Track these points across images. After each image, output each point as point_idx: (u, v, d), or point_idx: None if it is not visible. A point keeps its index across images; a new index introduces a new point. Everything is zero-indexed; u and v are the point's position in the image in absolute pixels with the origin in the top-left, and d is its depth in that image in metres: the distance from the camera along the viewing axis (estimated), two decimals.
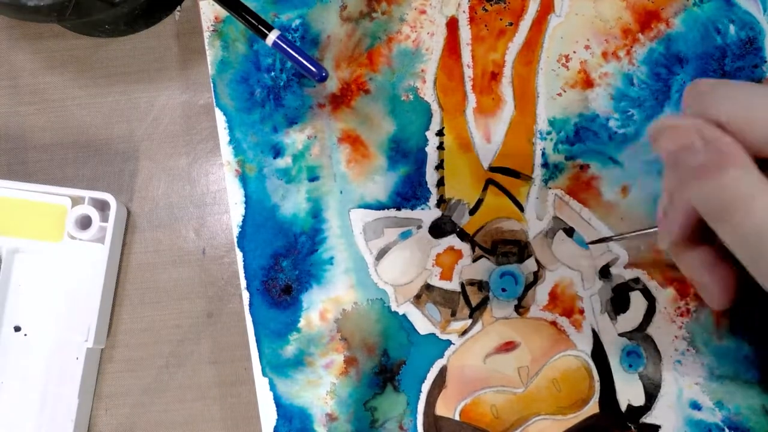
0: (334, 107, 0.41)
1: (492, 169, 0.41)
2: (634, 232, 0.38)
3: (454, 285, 0.40)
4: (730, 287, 0.32)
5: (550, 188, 0.40)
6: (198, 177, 0.43)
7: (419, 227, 0.40)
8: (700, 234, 0.31)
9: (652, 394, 0.39)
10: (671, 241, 0.32)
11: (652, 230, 0.36)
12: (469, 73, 0.41)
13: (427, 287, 0.40)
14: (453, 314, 0.40)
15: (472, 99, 0.41)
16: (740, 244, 0.27)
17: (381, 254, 0.40)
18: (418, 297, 0.40)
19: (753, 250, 0.27)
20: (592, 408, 0.39)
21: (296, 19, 0.42)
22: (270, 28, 0.37)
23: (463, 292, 0.40)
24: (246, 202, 0.41)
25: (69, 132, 0.43)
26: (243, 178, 0.41)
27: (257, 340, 0.40)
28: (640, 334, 0.39)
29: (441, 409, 0.39)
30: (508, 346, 0.39)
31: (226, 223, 0.42)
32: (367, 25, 0.42)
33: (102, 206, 0.40)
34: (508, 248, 0.40)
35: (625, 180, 0.40)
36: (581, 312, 0.39)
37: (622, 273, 0.40)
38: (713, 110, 0.28)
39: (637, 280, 0.40)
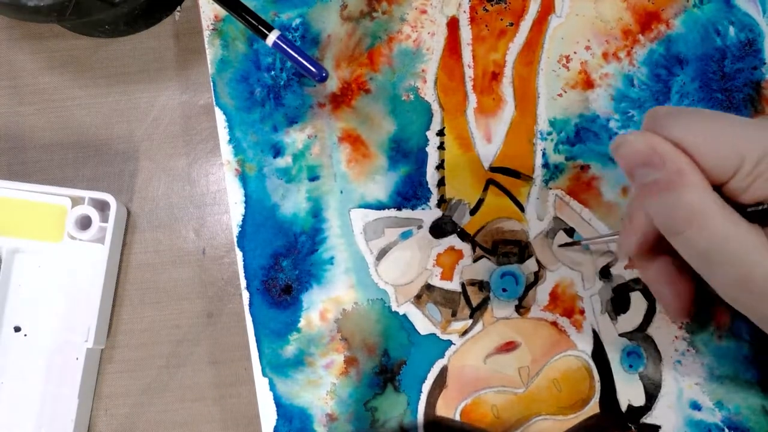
0: (334, 107, 0.41)
1: (492, 169, 0.41)
2: (601, 237, 0.39)
3: (454, 285, 0.40)
4: (686, 300, 0.34)
5: (550, 188, 0.40)
6: (198, 177, 0.43)
7: (420, 227, 0.40)
8: (660, 246, 0.32)
9: (652, 394, 0.39)
10: (631, 251, 0.33)
11: (617, 236, 0.37)
12: (469, 73, 0.41)
13: (428, 287, 0.40)
14: (453, 314, 0.40)
15: (472, 99, 0.41)
16: (695, 257, 0.29)
17: (381, 254, 0.40)
18: (418, 297, 0.40)
19: (707, 263, 0.29)
20: (593, 408, 0.39)
21: (296, 19, 0.42)
22: (270, 28, 0.37)
23: (464, 292, 0.40)
24: (246, 202, 0.41)
25: (69, 132, 0.43)
26: (243, 178, 0.41)
27: (257, 340, 0.40)
28: (640, 334, 0.39)
29: (441, 410, 0.39)
30: (509, 347, 0.39)
31: (226, 223, 0.42)
32: (368, 25, 0.42)
33: (102, 206, 0.40)
34: (509, 248, 0.40)
35: (625, 180, 0.40)
36: (582, 312, 0.39)
37: (622, 273, 0.40)
38: (672, 131, 0.29)
39: (637, 281, 0.40)
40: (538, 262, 0.40)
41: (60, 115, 0.43)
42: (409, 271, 0.40)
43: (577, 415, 0.39)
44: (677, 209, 0.28)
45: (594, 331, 0.39)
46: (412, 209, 0.41)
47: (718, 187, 0.29)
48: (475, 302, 0.40)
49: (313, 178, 0.41)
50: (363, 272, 0.40)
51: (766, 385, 0.38)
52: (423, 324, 0.40)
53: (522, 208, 0.40)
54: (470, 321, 0.40)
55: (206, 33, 0.42)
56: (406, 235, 0.40)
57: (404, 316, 0.40)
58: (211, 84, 0.42)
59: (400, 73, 0.42)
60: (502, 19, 0.42)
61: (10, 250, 0.40)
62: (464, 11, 0.42)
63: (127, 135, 0.43)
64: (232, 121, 0.41)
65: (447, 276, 0.40)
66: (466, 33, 0.42)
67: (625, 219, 0.33)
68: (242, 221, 0.41)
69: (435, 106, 0.41)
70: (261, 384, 0.39)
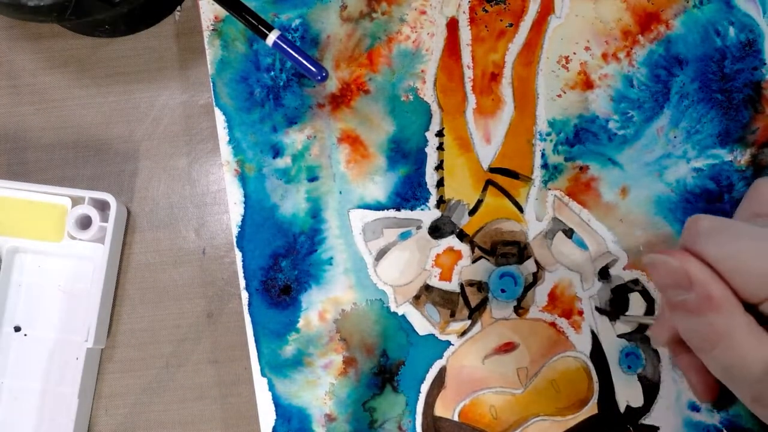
0: (333, 107, 0.41)
1: (492, 169, 0.41)
2: (635, 317, 0.39)
3: (453, 286, 0.40)
4: (713, 389, 0.35)
5: (549, 189, 0.40)
6: (198, 177, 0.43)
7: (419, 228, 0.40)
8: None
9: (650, 395, 0.39)
10: (662, 344, 0.35)
11: (649, 318, 0.38)
12: (469, 73, 0.41)
13: (427, 288, 0.40)
14: (452, 315, 0.40)
15: (471, 100, 0.41)
16: (718, 372, 0.30)
17: (380, 255, 0.40)
18: (417, 297, 0.40)
19: (729, 379, 0.30)
20: (591, 409, 0.39)
21: (296, 19, 0.42)
22: (270, 28, 0.37)
23: (463, 292, 0.40)
24: (245, 202, 0.41)
25: (69, 132, 0.43)
26: (242, 178, 0.41)
27: (256, 340, 0.40)
28: (639, 335, 0.39)
29: (440, 410, 0.39)
30: (507, 347, 0.39)
31: (226, 223, 0.42)
32: (367, 26, 0.42)
33: (102, 206, 0.40)
34: (508, 249, 0.40)
35: (624, 181, 0.40)
36: (580, 313, 0.39)
37: (621, 274, 0.40)
38: (708, 251, 0.29)
39: (636, 282, 0.40)
40: (536, 262, 0.40)
41: (60, 114, 0.43)
42: (408, 271, 0.40)
43: (575, 416, 0.39)
44: (704, 331, 0.29)
45: (593, 332, 0.39)
46: (411, 210, 0.41)
47: (751, 306, 0.29)
48: (473, 303, 0.40)
49: (313, 178, 0.41)
50: (362, 273, 0.40)
51: None
52: (422, 324, 0.40)
53: (521, 209, 0.40)
54: (469, 322, 0.40)
55: (206, 33, 0.42)
56: (405, 236, 0.40)
57: (403, 316, 0.40)
58: (211, 85, 0.42)
59: (400, 73, 0.42)
60: (501, 20, 0.42)
61: (10, 250, 0.41)
62: (464, 12, 0.42)
63: (127, 135, 0.43)
64: (232, 122, 0.41)
65: (446, 276, 0.40)
66: (465, 34, 0.42)
67: (659, 312, 0.35)
68: (241, 222, 0.41)
69: (434, 107, 0.41)
70: (260, 384, 0.39)
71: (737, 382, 0.30)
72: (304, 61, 0.36)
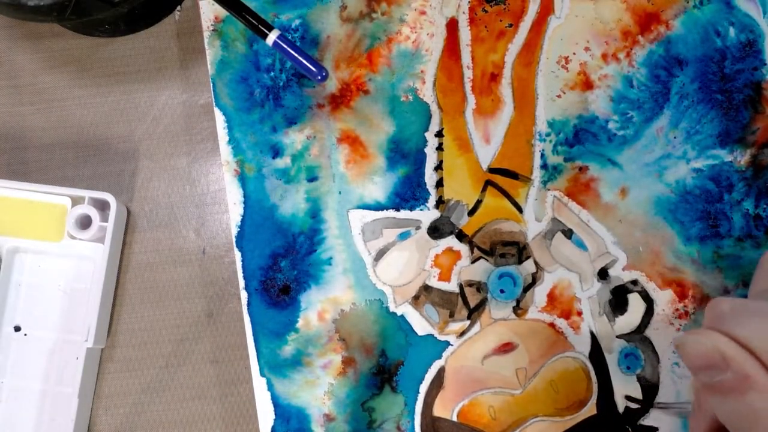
0: (333, 107, 0.41)
1: (491, 170, 0.41)
2: (674, 404, 0.39)
3: (452, 286, 0.40)
4: None
5: (548, 190, 0.40)
6: (198, 177, 0.43)
7: (418, 228, 0.40)
8: None
9: (649, 395, 0.39)
10: None
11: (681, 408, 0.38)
12: (468, 74, 0.41)
13: (426, 288, 0.40)
14: (451, 315, 0.40)
15: (471, 100, 0.41)
16: None
17: (379, 255, 0.40)
18: (416, 298, 0.40)
19: None
20: (590, 410, 0.39)
21: (296, 19, 0.42)
22: (270, 28, 0.37)
23: (462, 293, 0.40)
24: (245, 202, 0.41)
25: (69, 132, 0.43)
26: (242, 178, 0.41)
27: (255, 340, 0.40)
28: (638, 336, 0.39)
29: (439, 410, 0.39)
30: (506, 348, 0.40)
31: (226, 223, 0.42)
32: (367, 26, 0.42)
33: (102, 206, 0.41)
34: (507, 249, 0.40)
35: (624, 182, 0.40)
36: (579, 314, 0.39)
37: (620, 275, 0.40)
38: (737, 331, 0.29)
39: (635, 282, 0.40)
40: (536, 263, 0.40)
41: (60, 114, 0.43)
42: (407, 271, 0.40)
43: (574, 417, 0.39)
44: (743, 411, 0.28)
45: (592, 333, 0.39)
46: (411, 210, 0.41)
47: None
48: (472, 303, 0.40)
49: (312, 178, 0.41)
50: (361, 273, 0.40)
51: None
52: (421, 325, 0.40)
53: (520, 210, 0.40)
54: (468, 322, 0.40)
55: (206, 34, 0.42)
56: (404, 236, 0.40)
57: (402, 316, 0.40)
58: (211, 85, 0.42)
59: (399, 74, 0.42)
60: (501, 20, 0.42)
61: (10, 250, 0.41)
62: (463, 12, 0.42)
63: (127, 134, 0.43)
64: (232, 122, 0.41)
65: (445, 277, 0.40)
66: (465, 34, 0.42)
67: (695, 404, 0.34)
68: (241, 221, 0.41)
69: (434, 107, 0.41)
70: (259, 384, 0.39)
71: None
72: (304, 61, 0.36)
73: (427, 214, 0.40)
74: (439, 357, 0.39)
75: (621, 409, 0.39)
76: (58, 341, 0.40)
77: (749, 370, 0.28)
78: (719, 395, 0.29)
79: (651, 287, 0.39)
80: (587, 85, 0.41)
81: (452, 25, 0.42)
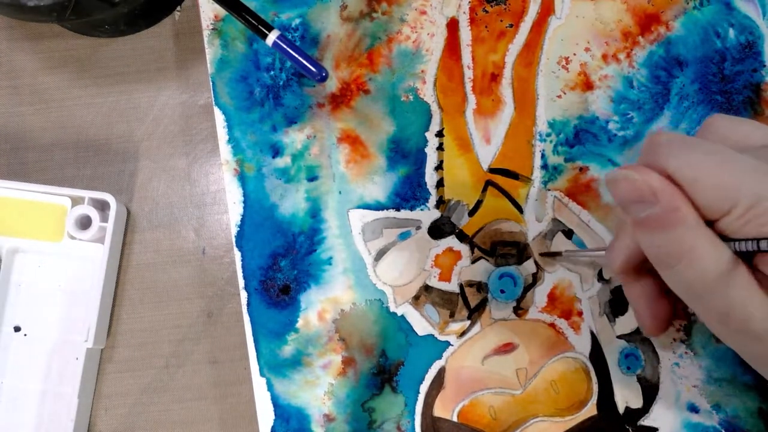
0: (333, 107, 0.41)
1: (491, 170, 0.41)
2: (584, 251, 0.39)
3: (452, 286, 0.40)
4: (663, 321, 0.35)
5: (549, 190, 0.40)
6: (198, 177, 0.43)
7: (418, 228, 0.40)
8: (644, 267, 0.33)
9: (649, 396, 0.39)
10: (615, 270, 0.34)
11: (600, 252, 0.38)
12: (469, 74, 0.41)
13: (426, 288, 0.40)
14: (451, 315, 0.40)
15: (471, 100, 0.41)
16: (682, 290, 0.30)
17: (380, 255, 0.40)
18: (416, 298, 0.40)
19: (692, 297, 0.30)
20: (590, 410, 0.39)
21: (296, 19, 0.42)
22: (270, 28, 0.37)
23: (462, 293, 0.40)
24: (244, 202, 0.41)
25: (69, 132, 0.43)
26: (242, 178, 0.41)
27: (255, 340, 0.40)
28: (638, 336, 0.39)
29: (439, 411, 0.39)
30: (507, 348, 0.40)
31: (226, 223, 0.42)
32: (367, 25, 0.42)
33: (102, 206, 0.40)
34: (507, 250, 0.40)
35: None
36: (580, 314, 0.39)
37: None
38: (669, 163, 0.29)
39: None
40: (536, 263, 0.40)
41: (60, 115, 0.43)
42: (408, 271, 0.40)
43: (574, 417, 0.39)
44: (669, 246, 0.29)
45: (592, 333, 0.39)
46: (411, 210, 0.41)
47: (710, 223, 0.29)
48: (473, 303, 0.40)
49: (312, 178, 0.41)
50: (361, 273, 0.40)
51: (764, 388, 0.38)
52: (421, 325, 0.40)
53: (521, 210, 0.40)
54: (468, 322, 0.40)
55: (206, 33, 0.42)
56: (404, 236, 0.40)
57: (402, 316, 0.40)
58: (211, 84, 0.42)
59: (400, 73, 0.42)
60: (501, 21, 0.42)
61: (10, 250, 0.41)
62: (464, 12, 0.42)
63: (127, 135, 0.43)
64: (231, 121, 0.41)
65: (445, 277, 0.40)
66: (465, 34, 0.42)
67: (614, 238, 0.34)
68: (241, 221, 0.41)
69: (434, 107, 0.41)
70: (259, 384, 0.39)
71: (700, 300, 0.29)
72: (304, 61, 0.36)
73: (428, 214, 0.40)
74: (440, 357, 0.39)
75: (621, 409, 0.39)
76: (58, 341, 0.40)
77: (677, 202, 0.28)
78: (647, 230, 0.29)
79: None
80: (587, 85, 0.41)
81: (453, 25, 0.42)
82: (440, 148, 0.41)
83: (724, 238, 0.29)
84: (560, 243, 0.40)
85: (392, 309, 0.40)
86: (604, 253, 0.36)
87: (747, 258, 0.29)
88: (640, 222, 0.30)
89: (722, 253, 0.28)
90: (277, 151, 0.41)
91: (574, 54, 0.41)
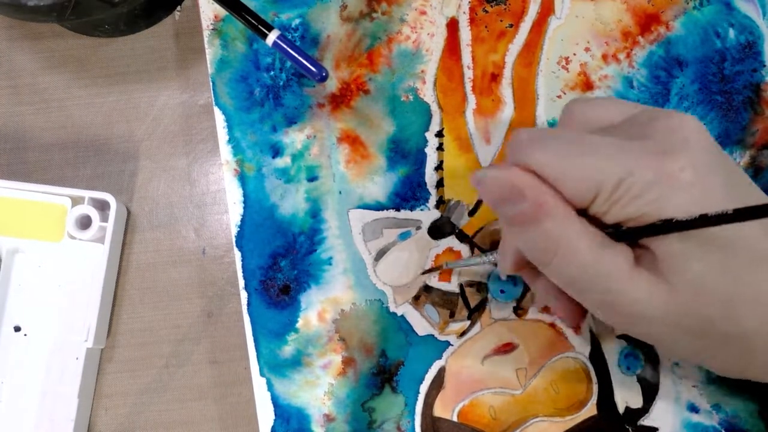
0: (333, 107, 0.41)
1: None
2: (465, 261, 0.39)
3: (452, 286, 0.40)
4: (575, 313, 0.34)
5: None
6: (198, 177, 0.43)
7: (418, 228, 0.40)
8: None
9: (649, 396, 0.39)
10: (508, 271, 0.34)
11: (481, 260, 0.37)
12: (469, 74, 0.41)
13: (426, 288, 0.40)
14: (451, 315, 0.40)
15: (471, 100, 0.41)
16: (564, 285, 0.30)
17: (380, 255, 0.40)
18: (416, 298, 0.40)
19: (575, 290, 0.30)
20: (590, 410, 0.39)
21: (296, 19, 0.42)
22: (270, 28, 0.37)
23: (462, 293, 0.40)
24: (244, 202, 0.41)
25: (69, 132, 0.43)
26: (242, 178, 0.41)
27: (255, 340, 0.40)
28: None
29: (439, 411, 0.39)
30: (507, 348, 0.40)
31: (226, 223, 0.42)
32: (367, 26, 0.42)
33: (102, 206, 0.40)
34: None
35: None
36: None
37: None
38: (530, 159, 0.29)
39: None
40: None
41: (60, 114, 0.43)
42: (408, 272, 0.40)
43: (574, 417, 0.39)
44: (541, 241, 0.29)
45: (592, 333, 0.39)
46: (411, 210, 0.41)
47: (584, 211, 0.29)
48: (473, 303, 0.40)
49: (312, 178, 0.41)
50: (361, 273, 0.40)
51: (764, 388, 0.38)
52: (421, 325, 0.40)
53: None
54: (468, 322, 0.40)
55: (206, 33, 0.42)
56: (404, 236, 0.40)
57: (402, 317, 0.40)
58: (211, 84, 0.42)
59: (400, 73, 0.42)
60: (501, 21, 0.42)
61: (10, 250, 0.41)
62: (464, 12, 0.42)
63: (127, 135, 0.43)
64: (231, 121, 0.41)
65: (445, 277, 0.40)
66: (465, 34, 0.42)
67: (500, 244, 0.34)
68: (241, 221, 0.41)
69: (434, 107, 0.41)
70: (259, 384, 0.39)
71: (581, 291, 0.29)
72: (304, 61, 0.36)
73: (428, 214, 0.40)
74: (440, 357, 0.39)
75: (621, 409, 0.39)
76: (58, 341, 0.40)
77: (543, 197, 0.28)
78: (519, 227, 0.29)
79: None
80: (587, 85, 0.41)
81: (453, 25, 0.42)
82: (440, 148, 0.41)
83: (602, 225, 0.29)
84: None
85: (392, 309, 0.40)
86: (483, 260, 0.36)
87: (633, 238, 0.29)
88: (511, 220, 0.30)
89: (598, 240, 0.28)
90: (277, 152, 0.41)
91: (574, 54, 0.41)
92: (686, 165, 0.27)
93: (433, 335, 0.40)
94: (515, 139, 0.30)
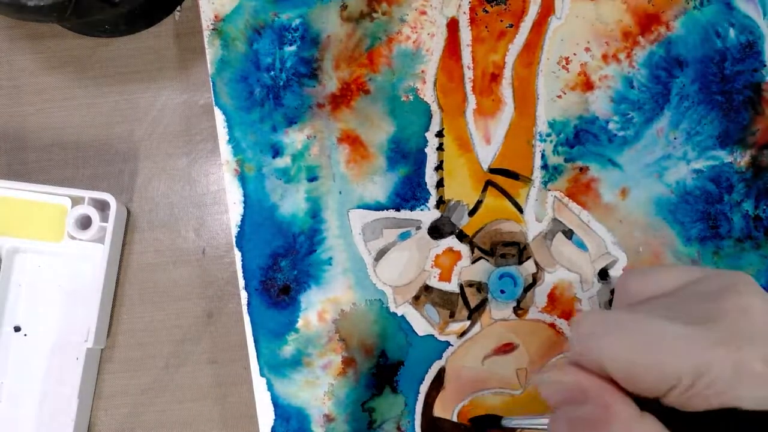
0: (333, 107, 0.41)
1: (491, 170, 0.41)
2: (526, 419, 0.37)
3: (452, 286, 0.40)
4: None
5: (549, 190, 0.40)
6: (198, 177, 0.43)
7: (418, 228, 0.40)
8: None
9: None
10: None
11: (542, 426, 0.35)
12: (469, 74, 0.41)
13: (426, 288, 0.40)
14: (452, 315, 0.40)
15: (472, 100, 0.41)
16: None
17: (380, 255, 0.40)
18: (416, 298, 0.40)
19: None
20: None
21: (296, 19, 0.42)
22: None
23: (462, 293, 0.40)
24: (245, 202, 0.41)
25: (69, 132, 0.43)
26: (242, 178, 0.41)
27: (255, 340, 0.40)
28: None
29: (439, 411, 0.39)
30: (507, 348, 0.40)
31: (226, 223, 0.42)
32: (368, 26, 0.42)
33: (102, 206, 0.40)
34: (507, 250, 0.40)
35: (624, 182, 0.40)
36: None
37: (621, 275, 0.40)
38: (594, 355, 0.28)
39: None
40: (536, 263, 0.40)
41: (60, 114, 0.43)
42: (408, 272, 0.40)
43: None
44: None
45: None
46: (411, 210, 0.41)
47: (655, 400, 0.28)
48: (473, 303, 0.40)
49: (312, 178, 0.41)
50: (361, 273, 0.40)
51: None
52: (421, 325, 0.40)
53: (521, 210, 0.40)
54: (468, 322, 0.40)
55: (206, 33, 0.42)
56: (404, 236, 0.40)
57: (402, 317, 0.40)
58: (211, 84, 0.42)
59: (400, 74, 0.42)
60: (501, 21, 0.42)
61: (10, 250, 0.41)
62: (464, 12, 0.42)
63: (127, 135, 0.43)
64: (232, 121, 0.41)
65: (445, 277, 0.40)
66: (465, 34, 0.42)
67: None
68: (241, 221, 0.41)
69: (434, 107, 0.41)
70: (259, 384, 0.39)
71: None
72: None
73: (428, 214, 0.40)
74: (440, 357, 0.39)
75: None
76: (58, 341, 0.40)
77: (608, 399, 0.28)
78: (582, 428, 0.28)
79: None
80: (588, 85, 0.41)
81: (453, 25, 0.42)
82: (440, 148, 0.41)
83: (673, 412, 0.28)
84: (560, 243, 0.40)
85: (392, 309, 0.40)
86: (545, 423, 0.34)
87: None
88: (573, 422, 0.29)
89: None
90: (277, 152, 0.41)
91: (574, 54, 0.41)
92: (760, 356, 0.26)
93: (433, 335, 0.40)
94: (579, 330, 0.29)
